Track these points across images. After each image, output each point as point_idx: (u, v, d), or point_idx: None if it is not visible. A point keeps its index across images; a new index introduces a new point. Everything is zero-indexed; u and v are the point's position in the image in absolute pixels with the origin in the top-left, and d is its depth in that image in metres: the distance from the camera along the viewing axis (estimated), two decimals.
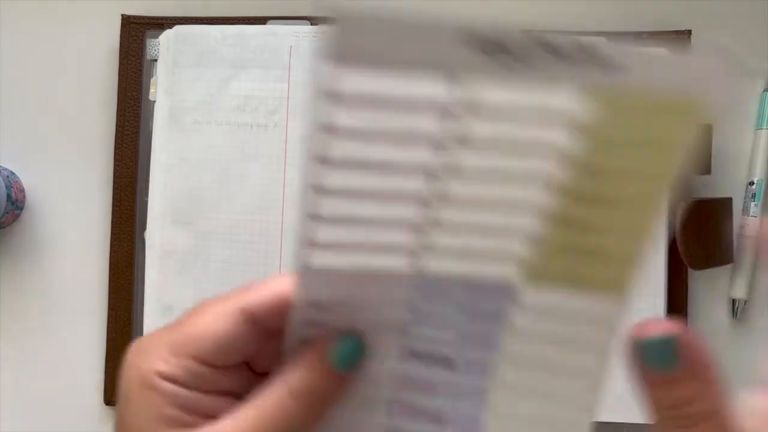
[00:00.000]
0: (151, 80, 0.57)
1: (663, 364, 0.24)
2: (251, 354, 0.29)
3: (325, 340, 0.26)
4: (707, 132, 0.53)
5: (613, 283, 0.26)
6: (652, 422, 0.26)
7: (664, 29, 0.55)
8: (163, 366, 0.27)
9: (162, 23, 0.57)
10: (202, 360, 0.27)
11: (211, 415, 0.27)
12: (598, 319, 0.27)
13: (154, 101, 0.57)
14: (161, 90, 0.56)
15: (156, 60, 0.57)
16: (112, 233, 0.57)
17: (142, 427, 0.27)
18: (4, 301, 0.58)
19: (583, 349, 0.28)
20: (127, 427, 0.27)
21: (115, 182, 0.57)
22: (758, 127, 0.55)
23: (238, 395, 0.28)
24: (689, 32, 0.55)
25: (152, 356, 0.27)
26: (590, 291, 0.27)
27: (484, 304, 0.27)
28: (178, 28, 0.57)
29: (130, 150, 0.57)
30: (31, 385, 0.58)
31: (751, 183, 0.55)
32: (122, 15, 0.58)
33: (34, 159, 0.59)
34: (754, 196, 0.55)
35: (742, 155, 0.56)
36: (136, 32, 0.58)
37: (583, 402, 0.28)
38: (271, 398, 0.26)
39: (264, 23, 0.56)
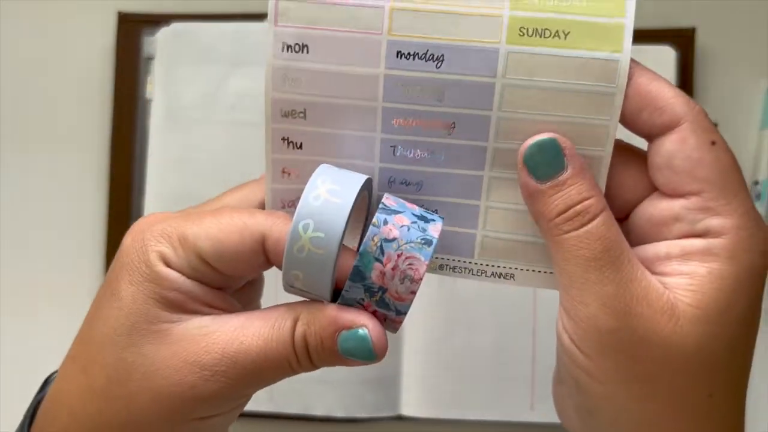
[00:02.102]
0: (148, 78, 0.57)
1: (551, 167, 0.26)
2: (250, 279, 0.29)
3: (340, 317, 0.26)
4: None
5: (605, 35, 0.26)
6: (548, 242, 0.27)
7: (668, 27, 0.54)
8: (168, 251, 0.27)
9: (159, 20, 0.56)
10: (206, 261, 0.27)
11: (211, 312, 0.27)
12: (595, 75, 0.26)
13: (151, 100, 0.56)
14: (158, 88, 0.56)
15: (152, 58, 0.56)
16: (108, 233, 0.56)
17: (136, 302, 0.27)
18: None
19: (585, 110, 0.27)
20: (116, 296, 0.27)
21: (110, 182, 0.56)
22: (763, 127, 0.55)
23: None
24: (693, 30, 0.54)
25: (160, 236, 0.27)
26: (580, 45, 0.26)
27: (467, 75, 0.26)
28: (175, 25, 0.56)
29: (126, 149, 0.56)
30: (23, 394, 0.57)
31: (756, 183, 0.54)
32: (118, 12, 0.57)
33: (28, 158, 0.58)
34: (758, 196, 0.54)
35: (747, 155, 0.55)
36: (133, 30, 0.57)
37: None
38: (283, 333, 0.26)
39: (262, 20, 0.56)
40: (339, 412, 0.54)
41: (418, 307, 0.54)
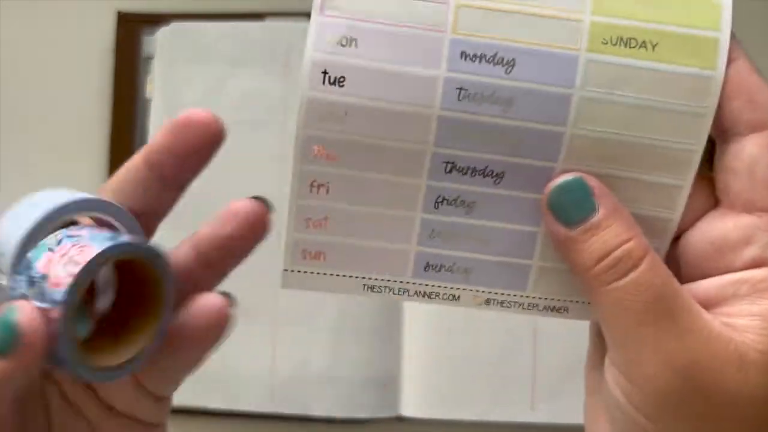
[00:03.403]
0: (147, 78, 0.57)
1: (580, 209, 0.24)
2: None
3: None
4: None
5: (697, 48, 0.23)
6: (589, 294, 0.24)
7: None
8: None
9: (158, 20, 0.56)
10: None
11: None
12: (683, 94, 0.23)
13: (151, 99, 0.56)
14: (158, 88, 0.56)
15: (152, 57, 0.56)
16: None
17: None
18: None
19: (668, 131, 0.24)
20: None
21: None
22: None
23: None
24: None
25: None
26: (669, 59, 0.23)
27: (541, 84, 0.23)
28: (174, 24, 0.56)
29: (125, 149, 0.56)
30: None
31: None
32: (118, 12, 0.57)
33: (28, 158, 0.58)
34: None
35: None
36: (132, 29, 0.57)
37: (666, 205, 0.25)
38: None
39: (262, 19, 0.56)
40: (339, 413, 0.54)
41: (419, 307, 0.54)
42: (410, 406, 0.54)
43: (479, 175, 0.25)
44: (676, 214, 0.25)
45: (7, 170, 0.58)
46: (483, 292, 0.26)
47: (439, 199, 0.25)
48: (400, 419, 0.54)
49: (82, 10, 0.58)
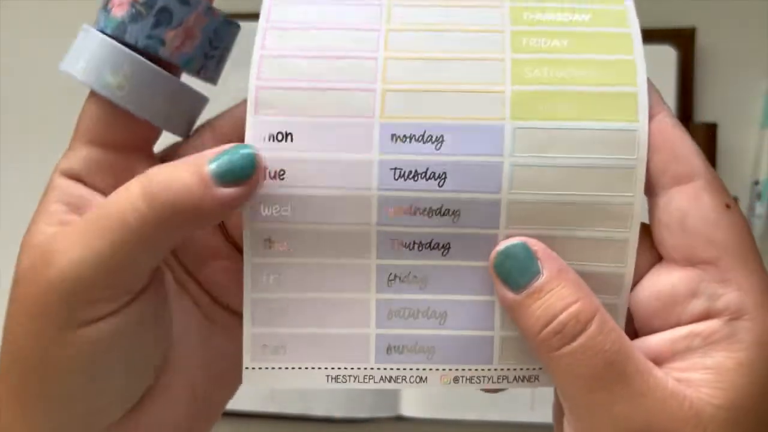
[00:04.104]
0: None
1: (524, 274, 0.24)
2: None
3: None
4: (712, 131, 0.52)
5: (618, 105, 0.24)
6: (541, 361, 0.24)
7: (668, 26, 0.54)
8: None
9: None
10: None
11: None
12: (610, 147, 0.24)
13: None
14: None
15: None
16: None
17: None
18: None
19: (602, 187, 0.24)
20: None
21: None
22: (763, 127, 0.55)
23: None
24: (693, 30, 0.54)
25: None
26: (592, 116, 0.24)
27: (471, 155, 0.24)
28: None
29: None
30: None
31: (756, 182, 0.54)
32: None
33: (28, 158, 0.58)
34: (759, 195, 0.54)
35: (747, 154, 0.55)
36: None
37: (614, 259, 0.25)
38: (130, 195, 0.24)
39: None
40: (339, 412, 0.54)
41: None
42: (410, 406, 0.54)
43: (426, 248, 0.25)
44: (628, 267, 0.25)
45: (7, 170, 0.58)
46: (450, 370, 0.26)
47: (391, 277, 0.25)
48: (400, 419, 0.54)
49: (83, 10, 0.58)
